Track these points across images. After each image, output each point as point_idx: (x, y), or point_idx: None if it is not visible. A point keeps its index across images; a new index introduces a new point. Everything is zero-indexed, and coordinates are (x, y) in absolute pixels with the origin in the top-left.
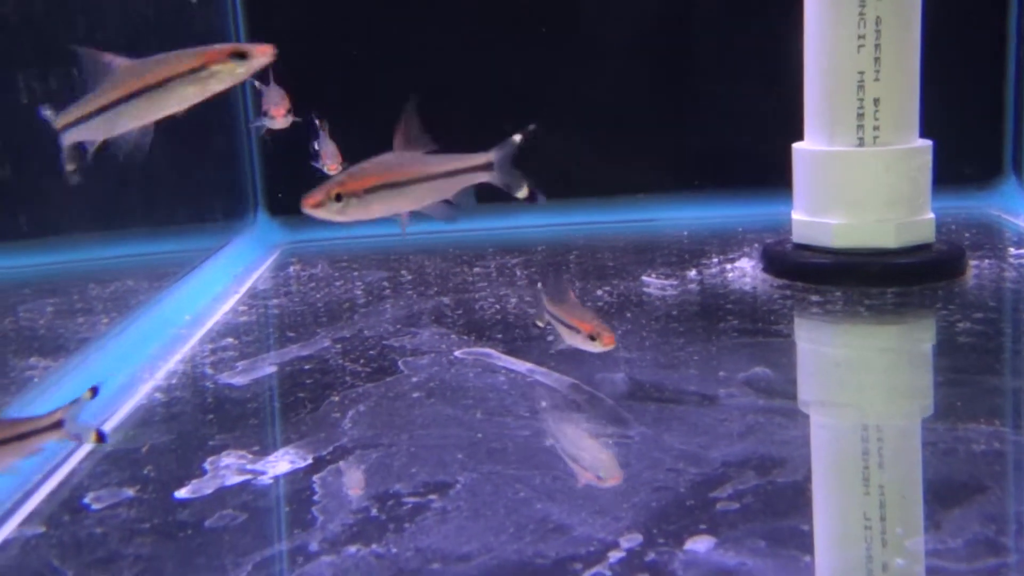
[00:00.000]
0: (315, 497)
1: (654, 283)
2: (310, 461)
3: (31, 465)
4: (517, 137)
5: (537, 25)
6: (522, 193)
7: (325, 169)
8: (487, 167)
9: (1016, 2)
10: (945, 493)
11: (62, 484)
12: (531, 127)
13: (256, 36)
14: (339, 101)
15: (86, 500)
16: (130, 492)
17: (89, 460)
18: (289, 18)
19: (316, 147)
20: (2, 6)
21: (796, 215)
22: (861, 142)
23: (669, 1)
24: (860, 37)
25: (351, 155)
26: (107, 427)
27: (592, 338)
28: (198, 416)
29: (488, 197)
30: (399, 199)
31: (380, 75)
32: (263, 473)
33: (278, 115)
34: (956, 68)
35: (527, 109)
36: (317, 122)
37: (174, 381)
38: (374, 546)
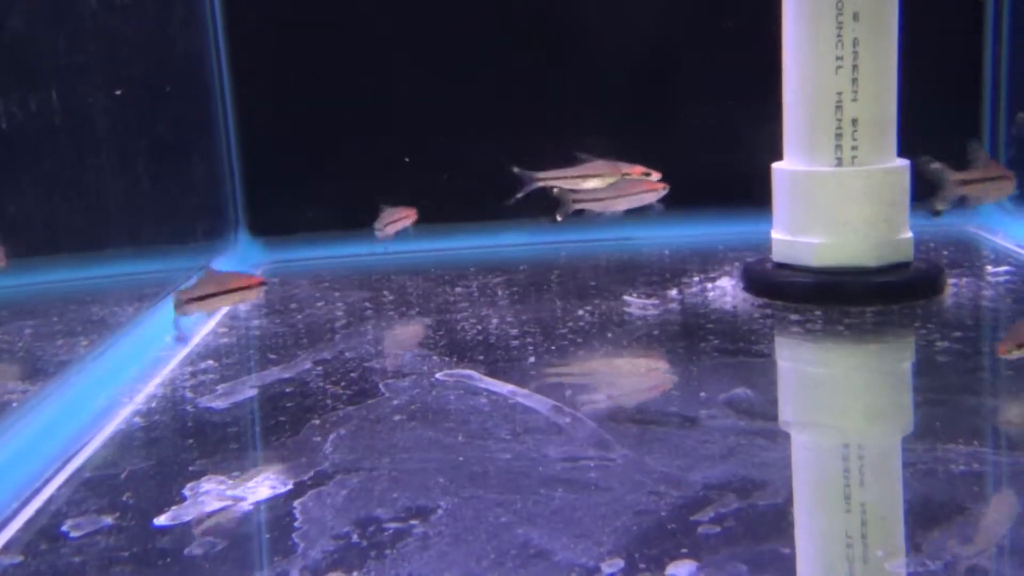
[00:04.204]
0: (296, 523)
1: (635, 302)
2: (291, 486)
3: (7, 493)
4: None
5: (521, 48)
6: None
7: None
8: None
9: (992, 23)
10: (925, 514)
11: (40, 511)
12: None
13: (236, 57)
14: (320, 127)
15: (64, 528)
16: (109, 520)
17: (67, 486)
18: (269, 37)
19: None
20: None
21: (776, 234)
22: (839, 162)
23: (651, 22)
24: (838, 58)
25: (316, 187)
26: (86, 452)
27: None
28: (178, 441)
29: (470, 216)
30: None
31: (358, 103)
32: (243, 499)
33: None
34: (933, 88)
35: (508, 129)
36: None
37: (154, 405)
38: (355, 573)
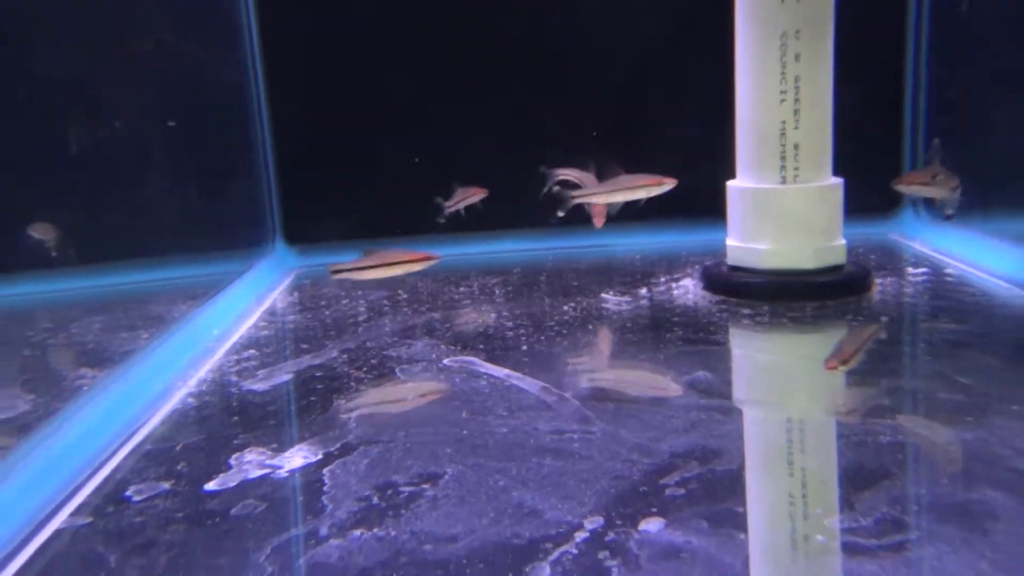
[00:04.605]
0: (325, 488)
1: (611, 299)
2: (320, 456)
3: (79, 463)
4: None
5: (495, 65)
6: None
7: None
8: None
9: (912, 59)
10: (857, 478)
11: (107, 479)
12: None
13: (272, 92)
14: (346, 150)
15: (128, 493)
16: (166, 485)
17: (130, 458)
18: (298, 76)
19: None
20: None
21: (730, 241)
22: (784, 180)
23: (622, 48)
24: (782, 92)
25: (350, 194)
26: (146, 428)
27: None
28: (224, 418)
29: (473, 227)
30: None
31: (379, 131)
32: (280, 467)
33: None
34: (863, 116)
35: (493, 147)
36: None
37: (204, 388)
38: (376, 530)
